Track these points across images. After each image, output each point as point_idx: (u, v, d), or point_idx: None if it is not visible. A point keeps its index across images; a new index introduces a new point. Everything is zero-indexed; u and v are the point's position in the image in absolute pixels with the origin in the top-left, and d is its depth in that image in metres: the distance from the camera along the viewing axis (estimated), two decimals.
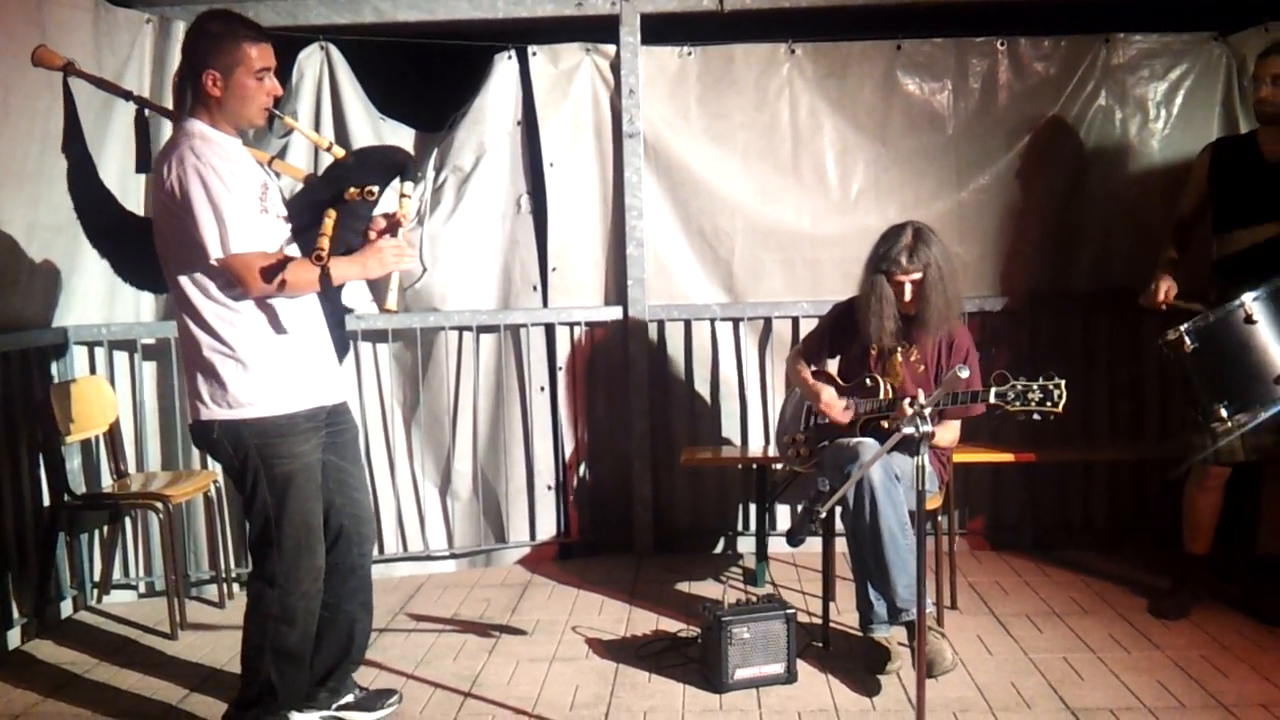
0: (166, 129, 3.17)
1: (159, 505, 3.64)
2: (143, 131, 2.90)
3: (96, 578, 4.03)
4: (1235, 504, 3.64)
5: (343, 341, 2.94)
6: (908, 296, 3.21)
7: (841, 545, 3.45)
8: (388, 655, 3.43)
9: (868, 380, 3.31)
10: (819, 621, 3.50)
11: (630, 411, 4.38)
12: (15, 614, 3.61)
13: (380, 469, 4.28)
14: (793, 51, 4.30)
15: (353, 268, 2.57)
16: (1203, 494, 3.51)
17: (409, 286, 4.19)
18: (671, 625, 3.61)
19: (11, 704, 3.15)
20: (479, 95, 4.27)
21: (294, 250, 2.61)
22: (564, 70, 4.31)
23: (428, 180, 4.27)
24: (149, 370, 4.12)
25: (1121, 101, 4.29)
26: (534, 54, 4.27)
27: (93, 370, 4.03)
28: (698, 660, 3.23)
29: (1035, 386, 2.83)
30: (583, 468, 4.48)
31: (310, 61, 4.19)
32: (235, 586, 4.10)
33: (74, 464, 3.87)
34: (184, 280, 2.52)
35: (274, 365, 2.57)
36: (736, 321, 4.40)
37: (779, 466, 4.02)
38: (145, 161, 2.89)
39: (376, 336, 4.26)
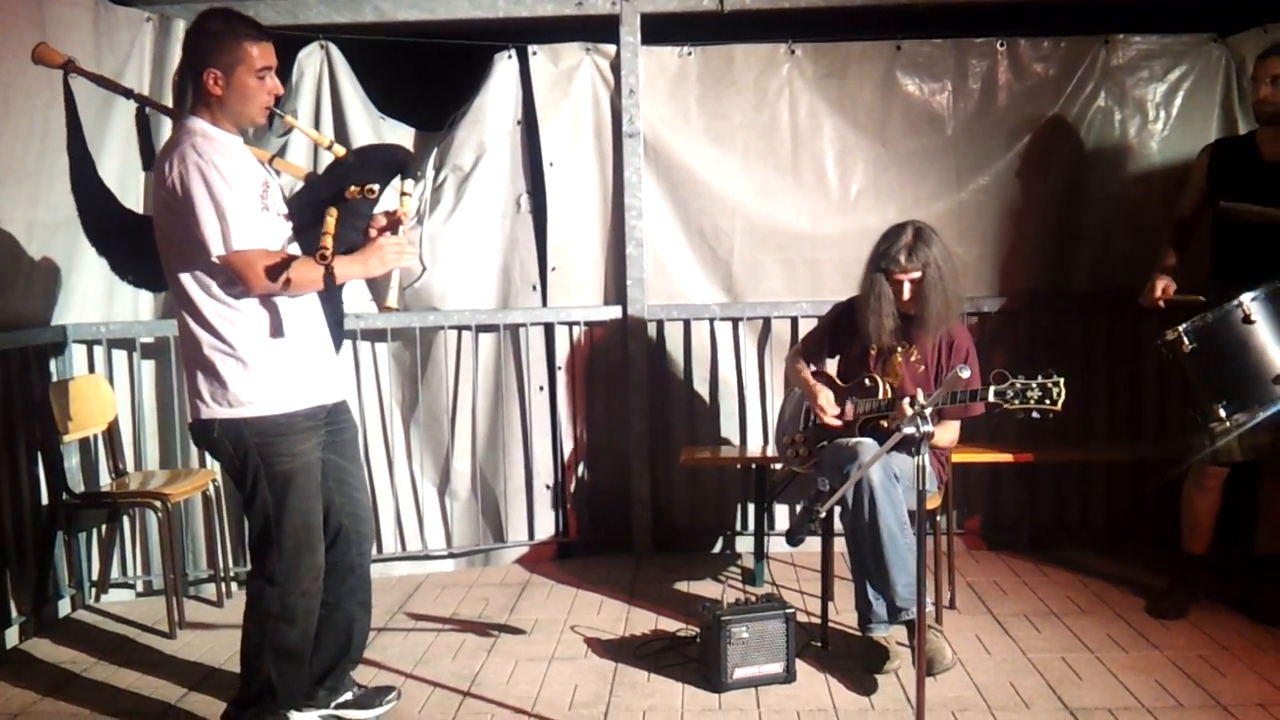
0: (166, 127, 3.18)
1: (157, 504, 3.64)
2: (144, 129, 2.90)
3: (95, 576, 4.03)
4: (1233, 504, 3.65)
5: (340, 340, 2.94)
6: (906, 295, 3.21)
7: (840, 545, 3.46)
8: (387, 654, 3.43)
9: (867, 380, 3.31)
10: (818, 621, 3.50)
11: (629, 411, 4.38)
12: (14, 613, 3.60)
13: (379, 468, 4.28)
14: (792, 52, 4.30)
15: (354, 266, 2.57)
16: (1201, 494, 3.51)
17: (408, 285, 4.19)
18: (670, 625, 3.61)
19: (10, 703, 3.14)
20: (479, 95, 4.28)
21: (294, 249, 2.61)
22: (564, 70, 4.31)
23: (427, 179, 4.27)
24: (147, 369, 4.12)
25: (1121, 102, 4.29)
26: (534, 53, 4.28)
27: (91, 369, 4.03)
28: (697, 660, 3.23)
29: (1034, 385, 2.83)
30: (581, 467, 4.48)
31: (310, 60, 4.19)
32: (234, 585, 4.10)
33: (72, 463, 3.87)
34: (185, 278, 2.52)
35: (274, 364, 2.57)
36: (736, 321, 4.40)
37: (778, 466, 4.02)
38: (149, 159, 2.89)
39: (375, 336, 4.26)
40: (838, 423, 3.29)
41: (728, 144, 4.34)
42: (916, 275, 3.18)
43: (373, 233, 2.68)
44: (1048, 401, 2.80)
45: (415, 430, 4.35)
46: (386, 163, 2.85)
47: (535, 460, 4.39)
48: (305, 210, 2.70)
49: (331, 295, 2.77)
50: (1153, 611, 3.58)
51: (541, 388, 4.39)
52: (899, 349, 3.31)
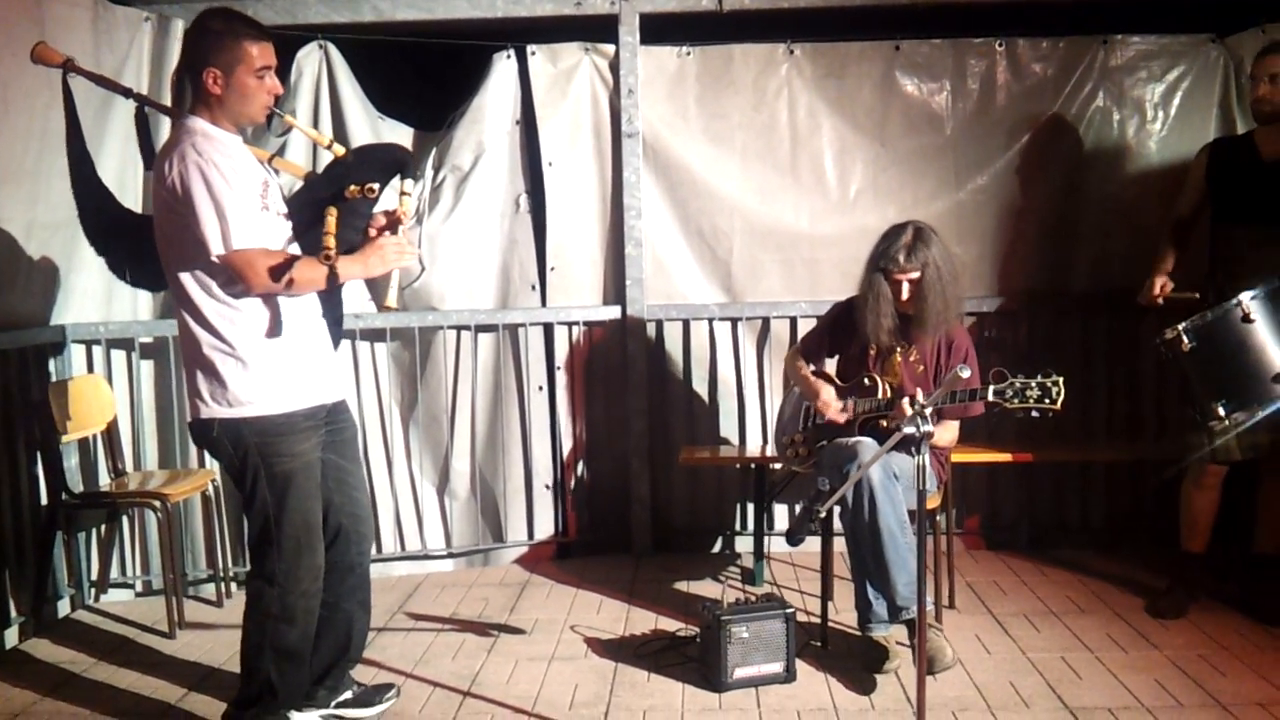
0: (166, 126, 3.18)
1: (157, 504, 3.64)
2: (144, 129, 2.90)
3: (94, 576, 4.02)
4: (1232, 503, 3.65)
5: (339, 339, 2.94)
6: (905, 295, 3.21)
7: (840, 545, 3.46)
8: (386, 654, 3.43)
9: (866, 379, 3.31)
10: (817, 621, 3.50)
11: (628, 411, 4.38)
12: (13, 613, 3.60)
13: (378, 468, 4.28)
14: (791, 52, 4.30)
15: (354, 266, 2.57)
16: (1200, 492, 3.52)
17: (407, 285, 4.19)
18: (670, 624, 3.61)
19: (10, 703, 3.14)
20: (478, 94, 4.28)
21: (294, 248, 2.61)
22: (563, 70, 4.31)
23: (426, 179, 4.27)
24: (146, 369, 4.11)
25: (1119, 102, 4.30)
26: (533, 53, 4.28)
27: (90, 369, 4.02)
28: (697, 659, 3.23)
29: (1034, 384, 2.83)
30: (581, 467, 4.48)
31: (309, 60, 4.19)
32: (233, 585, 4.10)
33: (71, 463, 3.87)
34: (185, 278, 2.52)
35: (274, 364, 2.57)
36: (735, 321, 4.40)
37: (777, 466, 4.03)
38: (149, 158, 2.89)
39: (374, 336, 4.26)
40: (842, 418, 3.28)
41: (726, 144, 4.34)
42: (915, 275, 3.18)
43: (372, 232, 2.69)
44: (1047, 401, 2.81)
45: (414, 430, 4.35)
46: (386, 162, 2.85)
47: (534, 460, 4.39)
48: (305, 209, 2.70)
49: (331, 294, 2.77)
50: (1152, 611, 3.59)
51: (541, 388, 4.39)
52: (898, 349, 3.31)
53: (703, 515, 4.52)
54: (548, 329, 4.39)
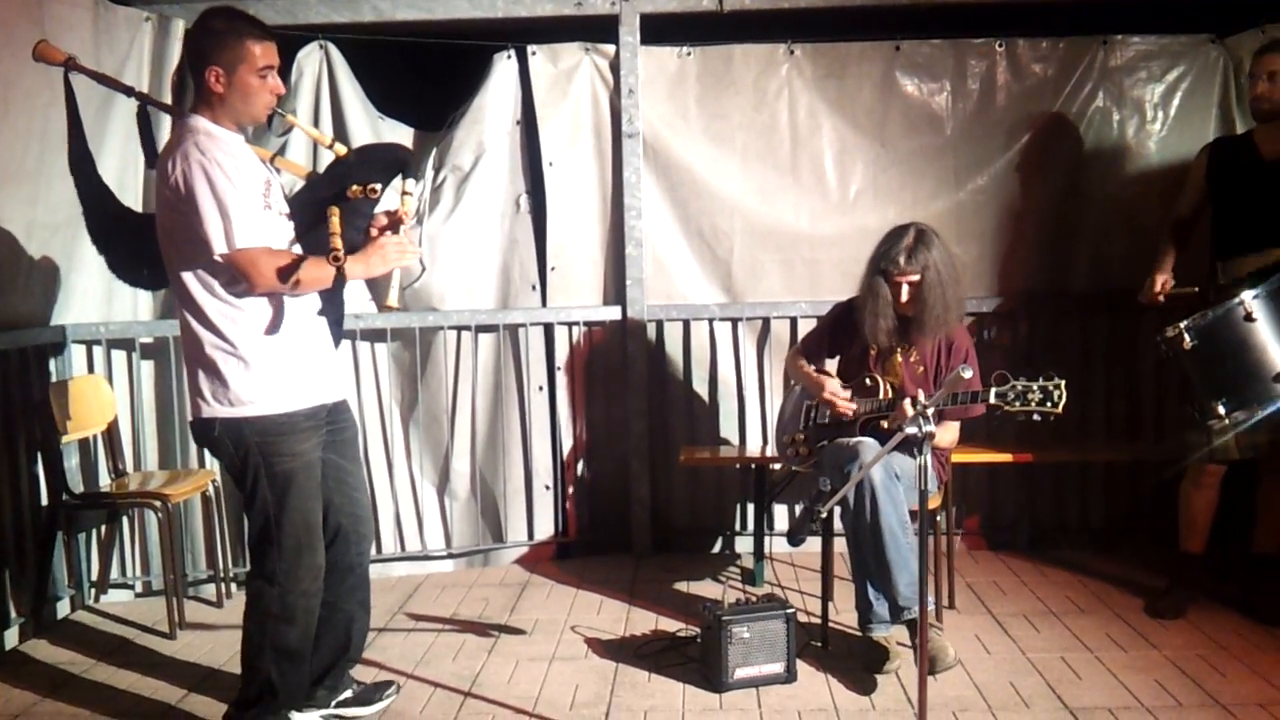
0: (167, 125, 3.18)
1: (157, 504, 3.63)
2: (146, 127, 2.89)
3: (94, 577, 4.02)
4: (1231, 503, 3.65)
5: (339, 339, 2.94)
6: (905, 297, 3.21)
7: (840, 545, 3.46)
8: (387, 655, 3.43)
9: (867, 380, 3.31)
10: (818, 621, 3.50)
11: (628, 411, 4.38)
12: (13, 613, 3.60)
13: (378, 468, 4.28)
14: (792, 52, 4.31)
15: (356, 266, 2.57)
16: (1199, 492, 3.52)
17: (408, 285, 4.19)
18: (670, 625, 3.61)
19: (10, 704, 3.14)
20: (478, 95, 4.28)
21: (296, 248, 2.61)
22: (563, 70, 4.31)
23: (426, 180, 4.27)
24: (147, 369, 4.11)
25: (1119, 103, 4.30)
26: (533, 53, 4.28)
27: (91, 369, 4.02)
28: (697, 660, 3.23)
29: (1035, 387, 2.83)
30: (581, 467, 4.48)
31: (309, 60, 4.19)
32: (233, 586, 4.09)
33: (72, 463, 3.86)
34: (187, 277, 2.52)
35: (275, 363, 2.57)
36: (735, 321, 4.40)
37: (777, 466, 4.03)
38: (152, 157, 2.88)
39: (375, 336, 4.26)
40: (850, 409, 3.27)
41: (727, 144, 4.34)
42: (915, 278, 3.18)
43: (374, 232, 2.69)
44: (1049, 404, 2.80)
45: (415, 430, 4.35)
46: (387, 161, 2.85)
47: (534, 460, 4.39)
48: (307, 209, 2.70)
49: (333, 294, 2.76)
50: (1151, 611, 3.59)
51: (541, 388, 4.39)
52: (898, 350, 3.32)
53: (703, 515, 4.52)
54: (548, 329, 4.39)
